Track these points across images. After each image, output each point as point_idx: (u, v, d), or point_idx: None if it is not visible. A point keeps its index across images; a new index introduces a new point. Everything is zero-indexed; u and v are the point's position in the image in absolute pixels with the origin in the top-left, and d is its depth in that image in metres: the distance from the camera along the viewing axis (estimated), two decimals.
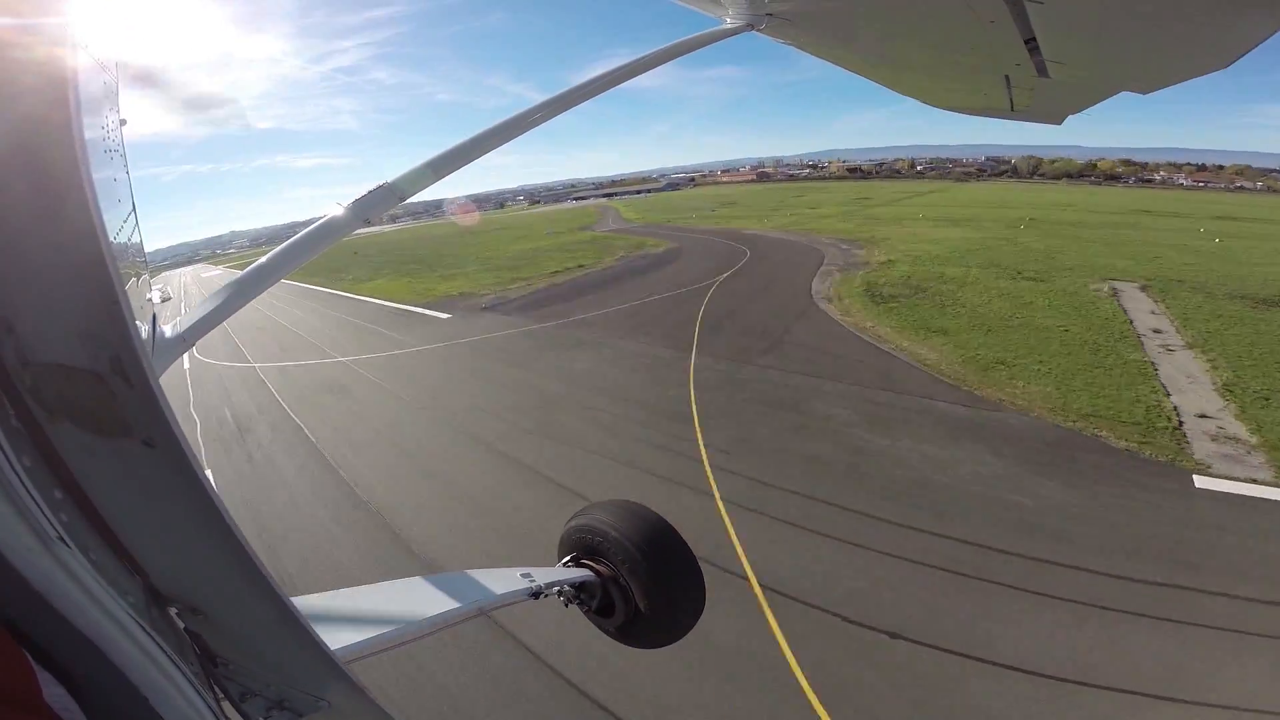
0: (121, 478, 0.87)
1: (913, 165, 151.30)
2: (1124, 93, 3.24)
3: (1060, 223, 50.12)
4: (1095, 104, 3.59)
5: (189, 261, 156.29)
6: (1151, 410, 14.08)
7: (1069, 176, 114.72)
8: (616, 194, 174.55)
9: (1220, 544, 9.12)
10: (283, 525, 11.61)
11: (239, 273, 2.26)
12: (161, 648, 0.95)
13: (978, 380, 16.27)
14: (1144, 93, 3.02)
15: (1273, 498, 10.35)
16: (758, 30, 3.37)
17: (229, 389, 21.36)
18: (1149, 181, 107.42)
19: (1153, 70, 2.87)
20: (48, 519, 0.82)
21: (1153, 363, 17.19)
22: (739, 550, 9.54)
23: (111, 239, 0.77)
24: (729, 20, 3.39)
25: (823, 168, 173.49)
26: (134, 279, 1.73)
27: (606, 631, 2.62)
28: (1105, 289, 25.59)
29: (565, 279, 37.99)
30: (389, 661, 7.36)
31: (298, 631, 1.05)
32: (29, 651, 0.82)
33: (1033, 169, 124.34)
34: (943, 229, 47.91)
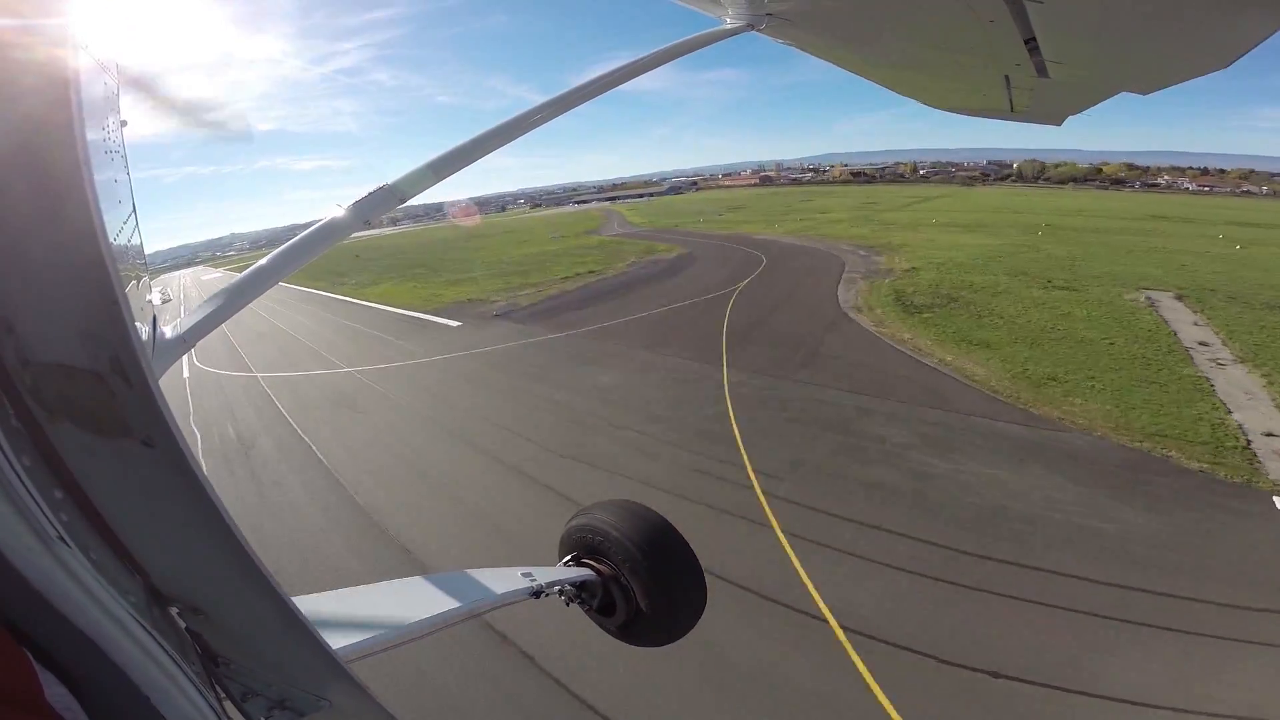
0: (121, 478, 0.87)
1: (915, 169, 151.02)
2: (1123, 94, 3.22)
3: (1076, 229, 49.70)
4: (1095, 104, 3.57)
5: (189, 263, 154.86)
6: (1217, 429, 13.71)
7: (1074, 181, 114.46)
8: (618, 198, 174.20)
9: None
10: (297, 563, 10.57)
11: (239, 275, 2.25)
12: (163, 647, 0.95)
13: (1032, 397, 15.49)
14: (1144, 93, 2.99)
15: None
16: (758, 30, 3.37)
17: (231, 402, 20.32)
18: (1154, 186, 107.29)
19: (1153, 70, 2.85)
20: (48, 519, 0.82)
21: (1207, 378, 16.77)
22: (811, 589, 8.82)
23: (112, 240, 0.80)
24: (729, 20, 3.37)
25: (825, 171, 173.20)
26: (134, 281, 1.73)
27: (608, 630, 2.62)
28: (1141, 299, 24.98)
29: (576, 285, 36.99)
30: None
31: (299, 631, 1.04)
32: (30, 651, 0.83)
33: (1037, 173, 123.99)
34: (959, 235, 47.36)
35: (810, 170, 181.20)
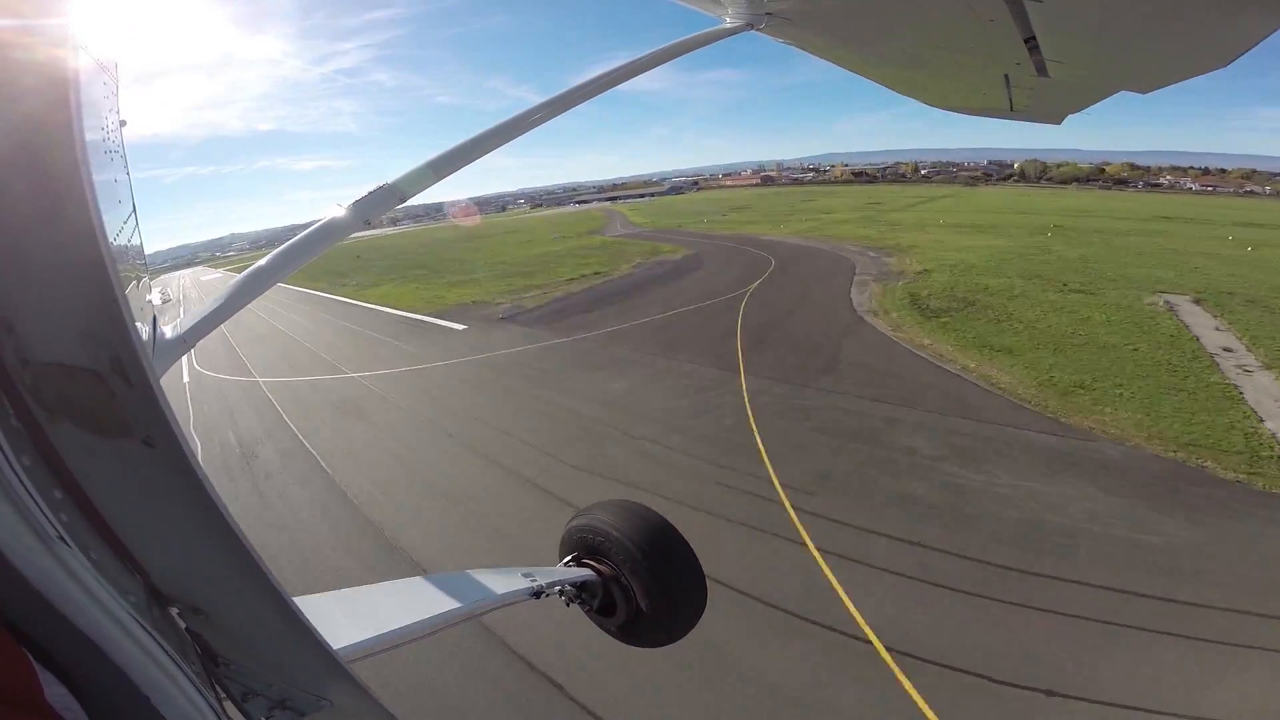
0: (121, 477, 0.86)
1: (917, 169, 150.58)
2: (1123, 93, 3.23)
3: (1085, 230, 49.29)
4: (1095, 103, 3.58)
5: (189, 264, 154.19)
6: (1250, 438, 13.40)
7: (1078, 181, 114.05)
8: (619, 198, 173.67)
9: None
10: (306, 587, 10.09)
11: (239, 275, 2.24)
12: (163, 647, 0.94)
13: (1060, 406, 15.07)
14: (1143, 92, 3.00)
15: None
16: (757, 29, 3.36)
17: (232, 408, 19.82)
18: (1156, 186, 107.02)
19: (1152, 69, 2.86)
20: (48, 519, 0.82)
21: (1235, 385, 16.40)
22: (851, 608, 8.42)
23: (112, 240, 0.79)
24: (729, 20, 3.36)
25: (826, 171, 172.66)
26: (134, 281, 1.70)
27: (608, 631, 2.61)
28: (1160, 303, 24.60)
29: (582, 287, 36.46)
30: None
31: (299, 631, 1.03)
32: (30, 651, 0.82)
33: (1039, 173, 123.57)
34: (968, 236, 46.89)
35: (811, 170, 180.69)
